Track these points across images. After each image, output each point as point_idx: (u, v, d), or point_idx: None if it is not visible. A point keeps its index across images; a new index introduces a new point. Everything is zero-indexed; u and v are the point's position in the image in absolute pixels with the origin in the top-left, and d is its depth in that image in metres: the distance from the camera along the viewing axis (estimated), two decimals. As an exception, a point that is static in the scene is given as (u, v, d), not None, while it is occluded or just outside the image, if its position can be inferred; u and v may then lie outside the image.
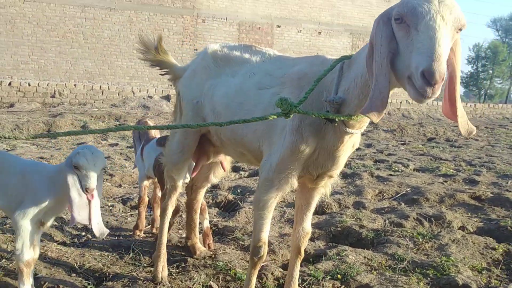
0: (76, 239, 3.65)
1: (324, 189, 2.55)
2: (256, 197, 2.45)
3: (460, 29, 1.79)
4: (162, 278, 2.92)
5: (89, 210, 2.35)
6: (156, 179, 3.77)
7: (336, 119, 2.10)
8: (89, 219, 2.35)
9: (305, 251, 3.54)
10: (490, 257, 3.60)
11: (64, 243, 3.53)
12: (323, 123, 2.19)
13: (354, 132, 2.16)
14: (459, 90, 1.92)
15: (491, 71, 53.48)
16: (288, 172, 2.30)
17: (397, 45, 1.83)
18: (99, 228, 2.39)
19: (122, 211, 4.50)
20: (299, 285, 2.91)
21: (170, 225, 3.39)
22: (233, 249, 3.60)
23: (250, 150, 2.61)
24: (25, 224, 2.32)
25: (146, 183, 3.90)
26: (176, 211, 3.47)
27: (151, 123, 4.17)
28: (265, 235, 2.46)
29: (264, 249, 2.47)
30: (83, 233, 3.76)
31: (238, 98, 2.63)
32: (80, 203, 2.31)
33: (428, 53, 1.63)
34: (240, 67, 2.75)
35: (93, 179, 2.29)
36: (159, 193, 3.85)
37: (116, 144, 8.49)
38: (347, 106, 2.10)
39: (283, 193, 2.40)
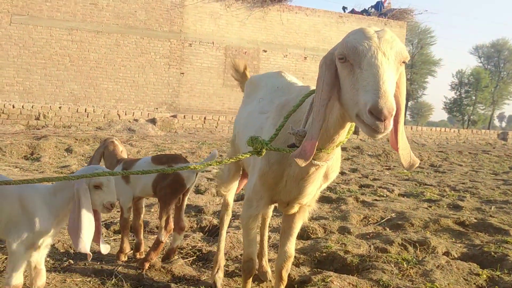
0: (57, 264, 3.58)
1: (303, 215, 2.63)
2: (240, 216, 2.63)
3: (404, 62, 1.81)
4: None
5: (95, 228, 2.42)
6: (141, 200, 3.73)
7: None
8: (98, 238, 2.47)
9: (290, 277, 3.53)
10: (474, 283, 3.61)
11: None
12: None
13: (320, 164, 2.17)
14: (403, 122, 1.95)
15: (474, 97, 54.44)
16: (261, 195, 2.45)
17: (343, 84, 1.84)
18: (104, 245, 2.51)
19: (105, 236, 4.43)
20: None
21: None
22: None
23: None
24: (19, 248, 2.27)
25: (130, 204, 3.75)
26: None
27: (118, 142, 3.92)
28: (251, 251, 2.61)
29: (253, 264, 2.62)
30: (65, 258, 3.69)
31: (245, 121, 2.88)
32: (89, 225, 2.34)
33: (374, 90, 1.64)
34: (259, 93, 2.97)
35: (114, 194, 2.45)
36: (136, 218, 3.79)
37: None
38: None
39: (262, 213, 2.54)
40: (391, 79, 1.71)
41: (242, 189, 3.68)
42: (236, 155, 2.41)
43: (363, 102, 1.67)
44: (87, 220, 2.32)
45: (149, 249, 3.57)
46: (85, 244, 2.30)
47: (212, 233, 4.77)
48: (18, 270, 2.28)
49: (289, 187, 2.35)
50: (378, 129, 1.65)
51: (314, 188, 2.37)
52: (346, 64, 1.79)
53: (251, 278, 2.73)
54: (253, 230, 2.56)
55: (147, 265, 3.48)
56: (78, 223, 2.28)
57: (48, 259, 3.64)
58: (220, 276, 3.31)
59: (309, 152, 1.93)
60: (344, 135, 2.10)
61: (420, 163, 12.19)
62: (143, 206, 3.88)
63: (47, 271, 3.39)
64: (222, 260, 3.39)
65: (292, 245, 2.66)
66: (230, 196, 3.50)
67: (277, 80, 2.91)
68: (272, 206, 3.56)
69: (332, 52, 1.92)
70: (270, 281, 3.47)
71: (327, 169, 2.37)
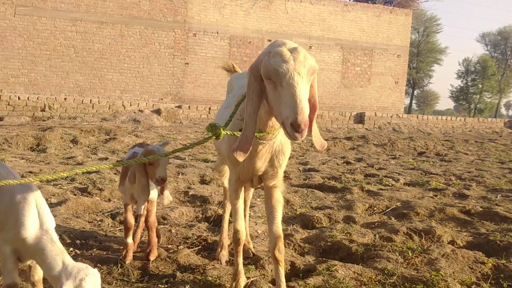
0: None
1: (276, 196, 2.91)
2: (228, 195, 3.12)
3: (315, 72, 2.24)
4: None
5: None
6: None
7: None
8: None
9: (295, 266, 3.55)
10: (480, 272, 3.61)
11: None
12: None
13: (264, 142, 2.62)
14: (316, 114, 2.42)
15: (480, 85, 54.10)
16: (233, 174, 2.90)
17: (269, 95, 2.26)
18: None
19: (111, 226, 4.46)
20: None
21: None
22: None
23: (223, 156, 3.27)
24: (5, 248, 2.26)
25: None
26: None
27: None
28: (238, 223, 2.96)
29: (240, 235, 2.97)
30: (71, 248, 3.72)
31: (217, 116, 3.32)
32: None
33: (293, 107, 2.07)
34: (232, 91, 3.39)
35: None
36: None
37: (106, 158, 8.45)
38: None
39: (239, 189, 2.94)
40: (305, 92, 2.15)
41: None
42: (200, 140, 2.82)
43: (286, 116, 2.10)
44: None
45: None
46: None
47: (217, 223, 4.78)
48: (7, 270, 2.24)
49: (246, 165, 2.76)
50: (296, 138, 2.11)
51: (264, 163, 2.77)
52: (270, 81, 2.20)
53: (241, 247, 3.03)
54: (237, 205, 2.93)
55: (153, 255, 3.50)
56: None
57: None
58: (223, 254, 3.65)
59: (245, 149, 2.38)
60: None
61: (425, 152, 12.19)
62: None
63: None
64: (225, 240, 3.73)
65: (277, 227, 2.85)
66: (226, 182, 3.87)
67: (242, 79, 3.30)
68: (252, 191, 4.01)
69: (257, 65, 2.31)
70: (253, 254, 3.78)
71: (282, 146, 2.75)
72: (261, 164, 2.76)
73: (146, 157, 2.92)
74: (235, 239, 2.99)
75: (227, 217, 3.88)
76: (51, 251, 2.21)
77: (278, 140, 2.69)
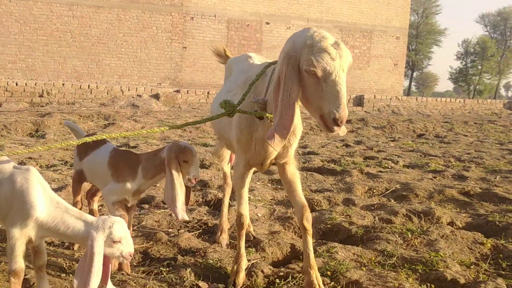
0: (64, 239, 3.62)
1: (293, 169, 2.92)
2: (232, 178, 3.06)
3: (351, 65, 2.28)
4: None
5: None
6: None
7: (265, 116, 2.61)
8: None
9: (295, 248, 3.57)
10: (479, 252, 3.63)
11: (52, 243, 3.50)
12: (255, 119, 2.69)
13: None
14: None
15: (479, 67, 53.88)
16: (242, 158, 2.87)
17: (307, 88, 2.26)
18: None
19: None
20: (288, 283, 2.93)
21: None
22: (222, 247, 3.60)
23: (227, 140, 3.22)
24: (13, 232, 2.26)
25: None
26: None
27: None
28: (242, 208, 2.96)
29: (244, 219, 2.96)
30: (72, 234, 3.73)
31: (216, 100, 3.33)
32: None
33: (337, 103, 2.13)
34: (231, 76, 3.39)
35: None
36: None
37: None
38: (269, 106, 2.58)
39: (246, 174, 2.93)
40: (345, 86, 2.19)
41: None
42: (209, 117, 2.86)
43: (327, 111, 2.16)
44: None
45: None
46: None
47: (218, 207, 4.80)
48: (16, 255, 2.26)
49: (258, 149, 2.76)
50: (334, 131, 2.21)
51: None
52: (313, 76, 2.20)
53: (244, 231, 3.01)
54: (242, 189, 2.93)
55: None
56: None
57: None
58: (223, 237, 3.71)
59: (283, 138, 2.32)
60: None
61: (425, 134, 12.18)
62: None
63: (55, 246, 3.44)
64: (225, 224, 3.78)
65: (299, 197, 2.87)
66: (226, 166, 3.99)
67: (242, 63, 3.35)
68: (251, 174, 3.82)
69: (294, 55, 2.27)
70: (253, 237, 3.80)
71: (294, 127, 2.64)
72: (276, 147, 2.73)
73: (177, 154, 2.83)
74: (239, 223, 2.99)
75: (227, 201, 3.92)
76: (69, 219, 2.27)
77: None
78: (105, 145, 3.20)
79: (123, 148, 3.77)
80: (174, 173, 2.81)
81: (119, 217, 2.55)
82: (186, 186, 2.91)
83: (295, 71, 2.27)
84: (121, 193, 3.01)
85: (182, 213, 2.81)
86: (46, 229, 2.28)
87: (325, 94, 2.16)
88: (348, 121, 14.08)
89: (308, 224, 2.81)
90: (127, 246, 2.31)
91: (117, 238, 2.26)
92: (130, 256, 2.35)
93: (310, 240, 2.84)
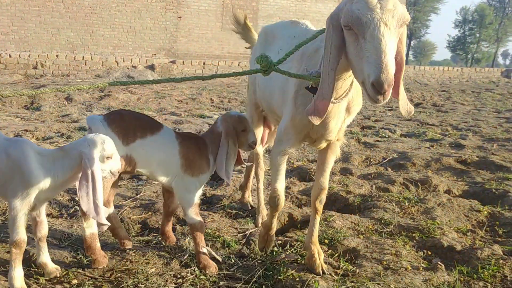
0: (64, 210, 3.63)
1: (335, 150, 2.71)
2: (271, 154, 2.80)
3: (405, 23, 1.90)
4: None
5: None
6: None
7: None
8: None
9: (293, 217, 3.59)
10: (475, 219, 3.67)
11: (51, 215, 3.51)
12: (312, 94, 2.28)
13: (334, 101, 2.25)
14: (403, 75, 2.08)
15: (477, 35, 53.49)
16: (290, 135, 2.59)
17: (349, 48, 1.96)
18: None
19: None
20: (286, 250, 2.95)
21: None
22: (221, 217, 3.62)
23: (279, 116, 2.87)
24: (15, 203, 2.26)
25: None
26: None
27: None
28: (278, 186, 2.74)
29: (279, 200, 2.76)
30: (71, 205, 3.74)
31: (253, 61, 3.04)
32: None
33: (376, 64, 1.77)
34: (276, 44, 3.06)
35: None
36: None
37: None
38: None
39: (289, 151, 2.70)
40: (392, 47, 1.83)
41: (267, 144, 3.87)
42: (245, 71, 2.60)
43: (367, 73, 1.81)
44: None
45: None
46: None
47: (215, 177, 4.80)
48: (17, 226, 2.26)
49: (316, 127, 2.43)
50: (377, 101, 1.84)
51: (337, 123, 2.47)
52: (351, 32, 1.90)
53: (277, 213, 2.86)
54: (281, 166, 2.70)
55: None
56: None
57: (54, 206, 3.70)
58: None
59: (322, 111, 2.07)
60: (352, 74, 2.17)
61: (422, 103, 12.15)
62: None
63: (54, 217, 3.45)
64: (264, 210, 3.54)
65: (325, 179, 2.75)
66: (259, 147, 3.59)
67: (293, 29, 3.00)
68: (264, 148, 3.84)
69: (338, 13, 1.99)
70: (251, 207, 3.86)
71: (349, 103, 2.45)
72: (336, 124, 2.47)
73: (235, 125, 2.76)
74: (273, 203, 2.79)
75: (261, 186, 3.69)
76: (61, 162, 2.29)
77: (349, 98, 2.39)
78: (164, 129, 2.75)
79: (185, 132, 3.56)
80: (231, 144, 2.74)
81: (199, 223, 2.72)
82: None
83: (337, 32, 2.00)
84: (199, 189, 2.79)
85: (230, 179, 2.83)
86: (52, 189, 2.31)
87: (364, 53, 1.83)
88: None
89: (320, 206, 2.77)
90: (115, 162, 2.36)
91: (109, 154, 2.31)
92: (118, 172, 2.41)
93: (318, 220, 2.81)
